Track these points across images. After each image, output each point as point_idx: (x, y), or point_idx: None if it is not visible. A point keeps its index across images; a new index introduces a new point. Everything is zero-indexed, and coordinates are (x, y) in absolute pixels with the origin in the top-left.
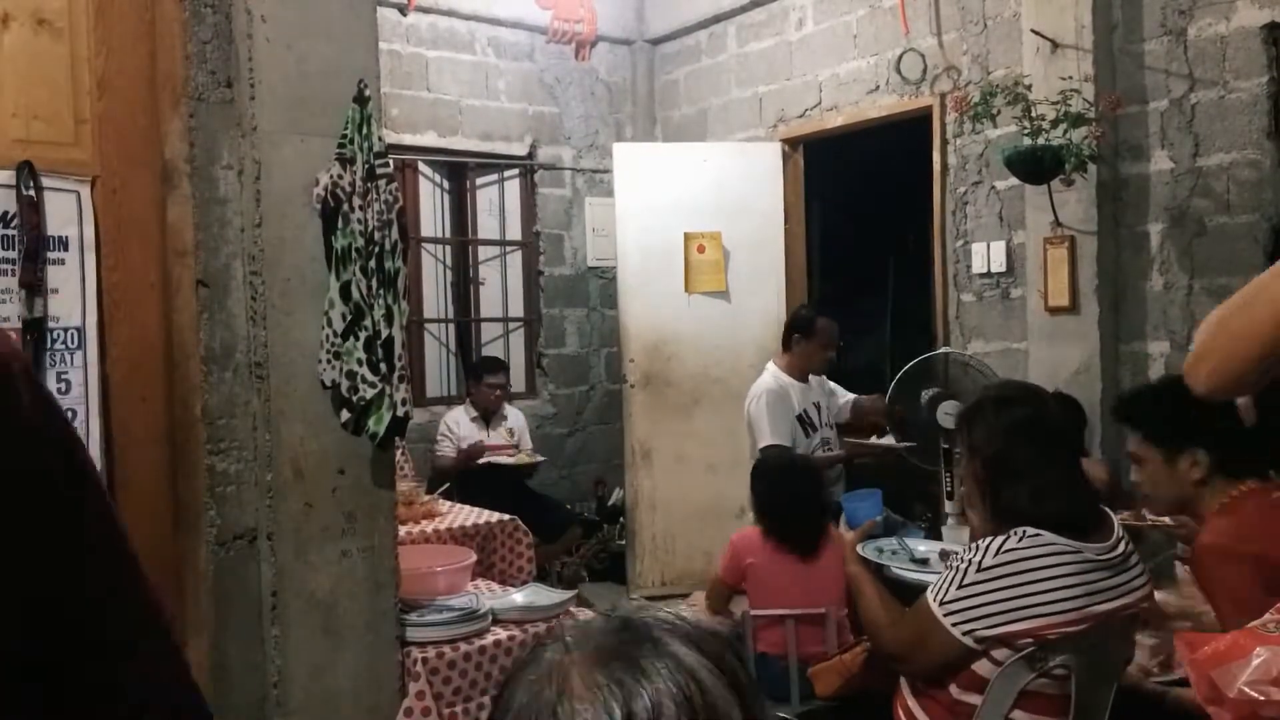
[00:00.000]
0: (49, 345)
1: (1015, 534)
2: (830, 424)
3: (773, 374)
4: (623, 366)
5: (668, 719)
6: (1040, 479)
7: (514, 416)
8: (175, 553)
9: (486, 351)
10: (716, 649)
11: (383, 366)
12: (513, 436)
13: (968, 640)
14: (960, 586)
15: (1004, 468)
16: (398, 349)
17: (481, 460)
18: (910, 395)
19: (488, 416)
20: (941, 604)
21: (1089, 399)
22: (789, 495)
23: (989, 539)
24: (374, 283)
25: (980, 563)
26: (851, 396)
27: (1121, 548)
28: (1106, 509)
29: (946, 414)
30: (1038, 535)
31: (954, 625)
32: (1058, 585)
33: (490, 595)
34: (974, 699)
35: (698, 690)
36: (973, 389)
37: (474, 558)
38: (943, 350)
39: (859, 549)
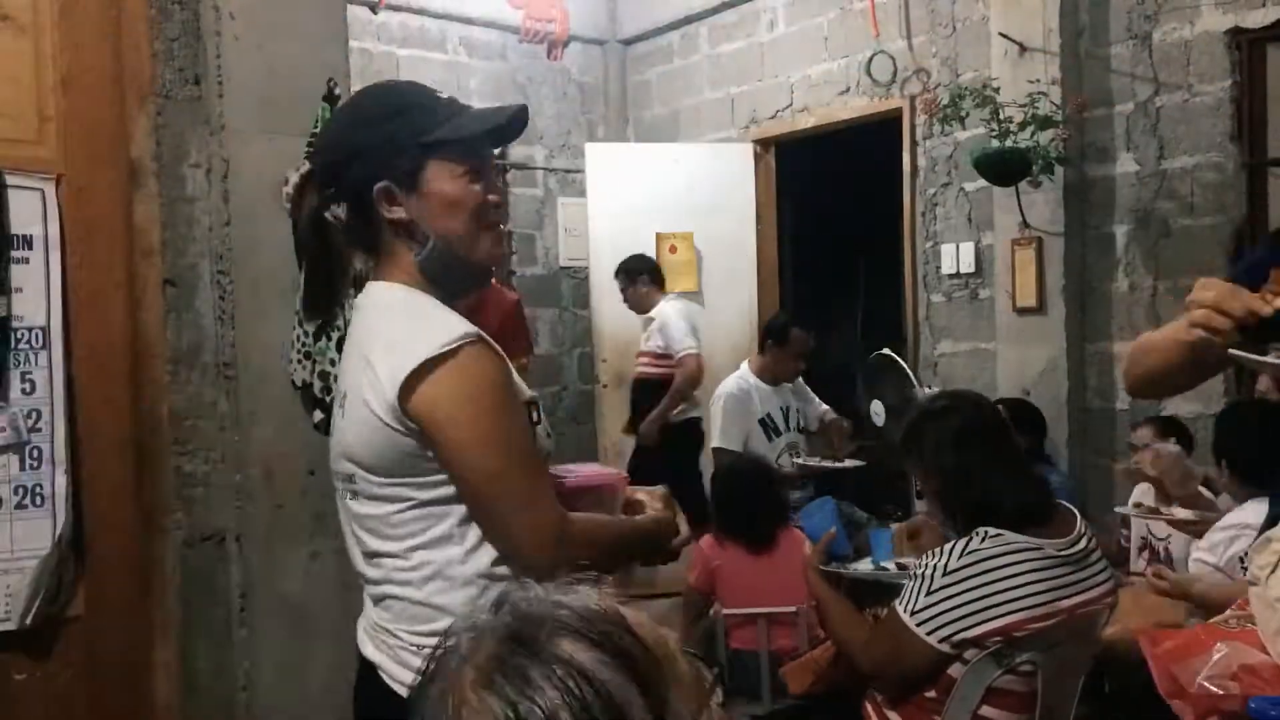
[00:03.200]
0: (13, 345)
1: (977, 535)
2: (799, 428)
3: (739, 375)
4: (595, 367)
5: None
6: (988, 480)
7: (661, 315)
8: (143, 554)
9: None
10: (605, 634)
11: None
12: (651, 341)
13: (943, 646)
14: (929, 594)
15: (952, 476)
16: None
17: None
18: (876, 394)
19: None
20: (913, 614)
21: (1056, 398)
22: (738, 490)
23: (952, 543)
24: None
25: (945, 566)
26: (825, 408)
27: (1083, 544)
28: (1070, 506)
29: (876, 414)
30: (999, 535)
31: (928, 634)
32: (1023, 582)
33: None
34: (944, 696)
35: (591, 690)
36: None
37: None
38: (885, 353)
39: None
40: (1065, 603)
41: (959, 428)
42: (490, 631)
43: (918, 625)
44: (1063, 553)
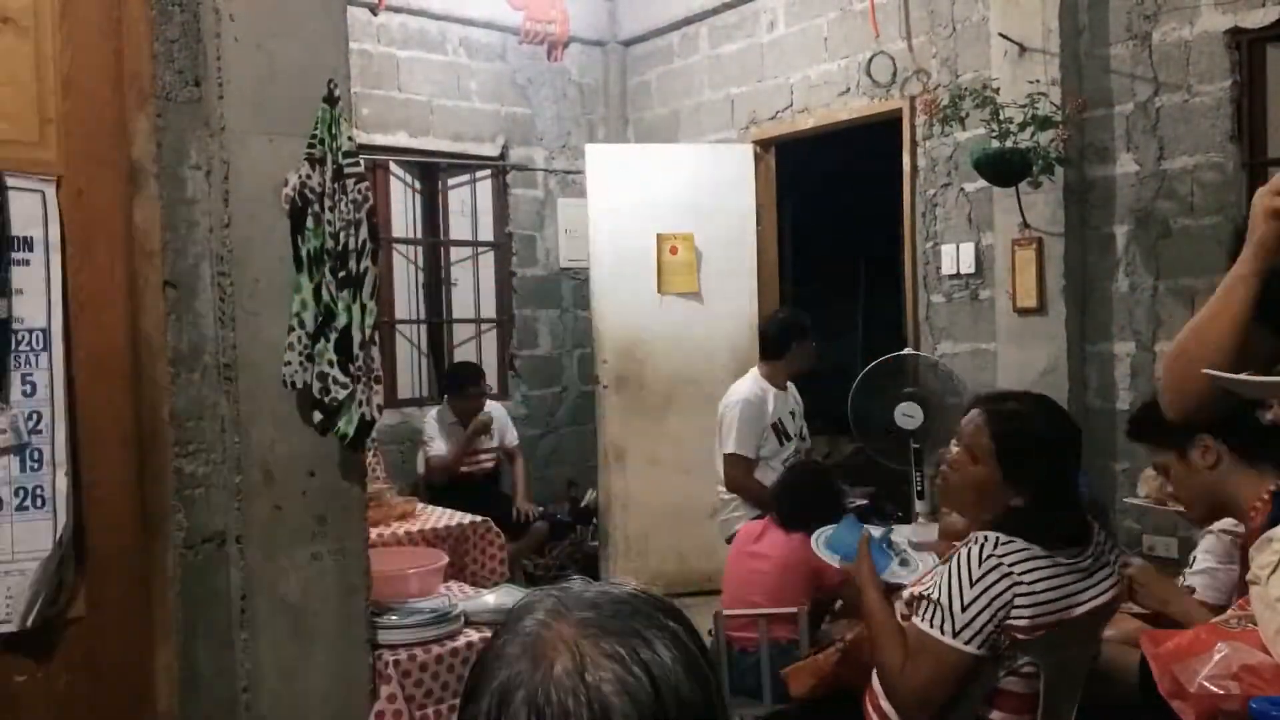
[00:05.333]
0: (14, 347)
1: (988, 540)
2: (803, 435)
3: (752, 381)
4: (595, 368)
5: (681, 681)
6: (1045, 493)
7: (495, 415)
8: (143, 556)
9: (459, 354)
10: (685, 622)
11: (351, 367)
12: (492, 438)
13: (983, 650)
14: (964, 609)
15: (1021, 476)
16: (358, 348)
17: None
18: (874, 397)
19: (466, 422)
20: (955, 634)
21: (1056, 399)
22: (804, 490)
23: (964, 551)
24: (343, 283)
25: (971, 578)
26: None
27: (1093, 555)
28: (1092, 520)
29: (906, 415)
30: (1010, 542)
31: (977, 646)
32: (1039, 589)
33: (462, 597)
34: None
35: (694, 656)
36: (939, 390)
37: (446, 560)
38: (908, 352)
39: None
40: (1074, 612)
41: (1068, 438)
42: (575, 597)
43: (964, 643)
44: (1069, 562)
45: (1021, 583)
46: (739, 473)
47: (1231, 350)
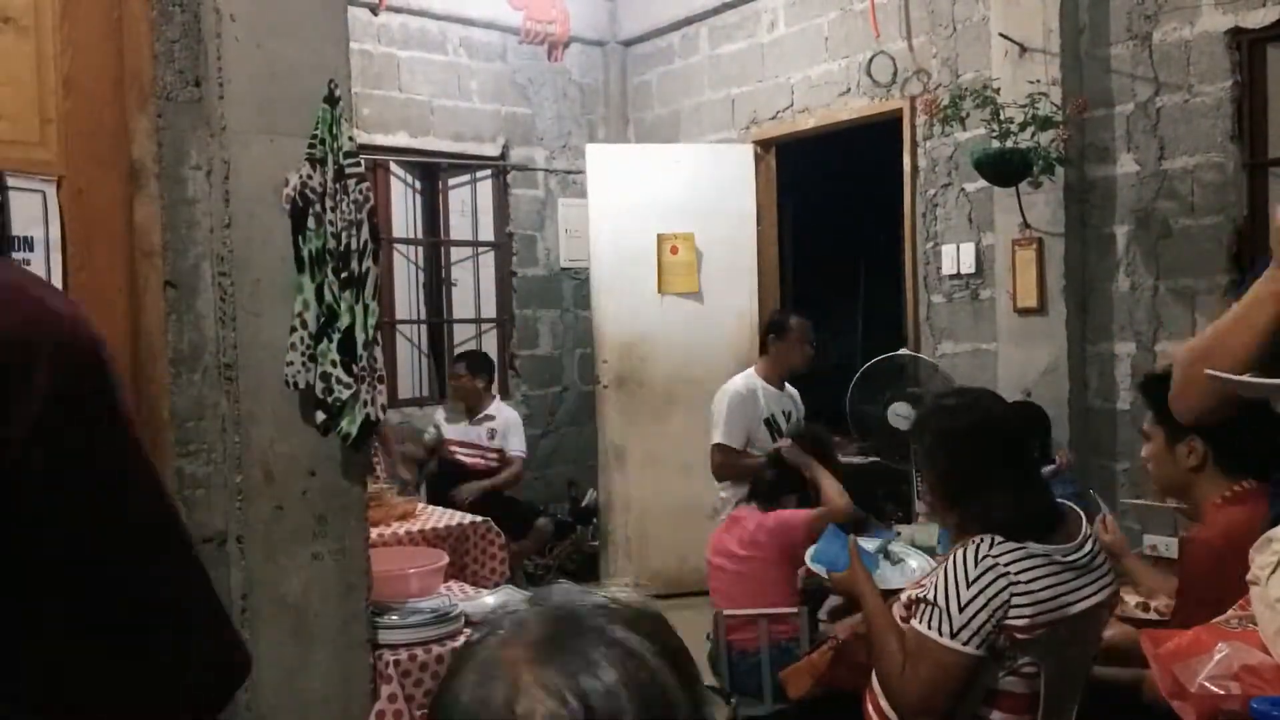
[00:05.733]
0: None
1: (985, 540)
2: None
3: (745, 376)
4: (596, 367)
5: (623, 707)
6: (993, 487)
7: (502, 417)
8: None
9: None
10: (654, 628)
11: (355, 367)
12: (493, 439)
13: (981, 651)
14: (961, 609)
15: (957, 478)
16: (362, 348)
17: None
18: (872, 396)
19: (470, 413)
20: (954, 635)
21: (1057, 399)
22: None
23: (959, 552)
24: (345, 283)
25: (967, 578)
26: None
27: (1089, 547)
28: (1076, 509)
29: (899, 415)
30: (1004, 542)
31: (977, 647)
32: (1036, 588)
33: (462, 597)
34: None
35: (647, 674)
36: (938, 389)
37: (446, 560)
38: (903, 352)
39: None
40: (1073, 609)
41: (967, 428)
42: (535, 616)
43: (963, 645)
44: (1068, 559)
45: (1018, 582)
46: (725, 460)
47: (1249, 364)
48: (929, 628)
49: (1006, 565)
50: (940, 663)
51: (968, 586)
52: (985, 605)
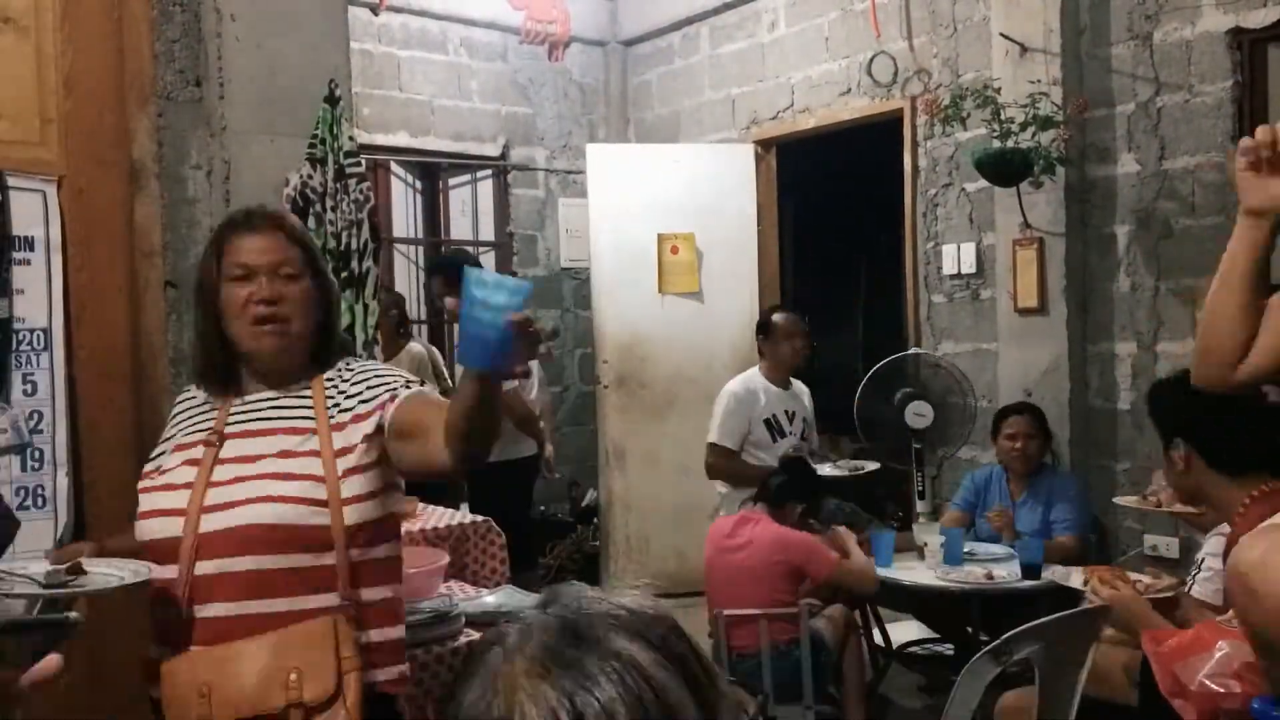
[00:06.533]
0: (15, 346)
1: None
2: (804, 436)
3: (747, 376)
4: (596, 367)
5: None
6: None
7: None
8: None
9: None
10: (661, 636)
11: None
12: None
13: None
14: None
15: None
16: (361, 348)
17: None
18: (883, 397)
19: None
20: None
21: (1057, 399)
22: None
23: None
24: (345, 283)
25: None
26: (815, 448)
27: None
28: None
29: (918, 414)
30: None
31: None
32: None
33: (462, 597)
34: None
35: (649, 688)
36: (943, 389)
37: (446, 560)
38: (913, 351)
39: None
40: None
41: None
42: (540, 625)
43: None
44: None
45: None
46: (718, 461)
47: (1248, 323)
48: None
49: None
50: None
51: None
52: None
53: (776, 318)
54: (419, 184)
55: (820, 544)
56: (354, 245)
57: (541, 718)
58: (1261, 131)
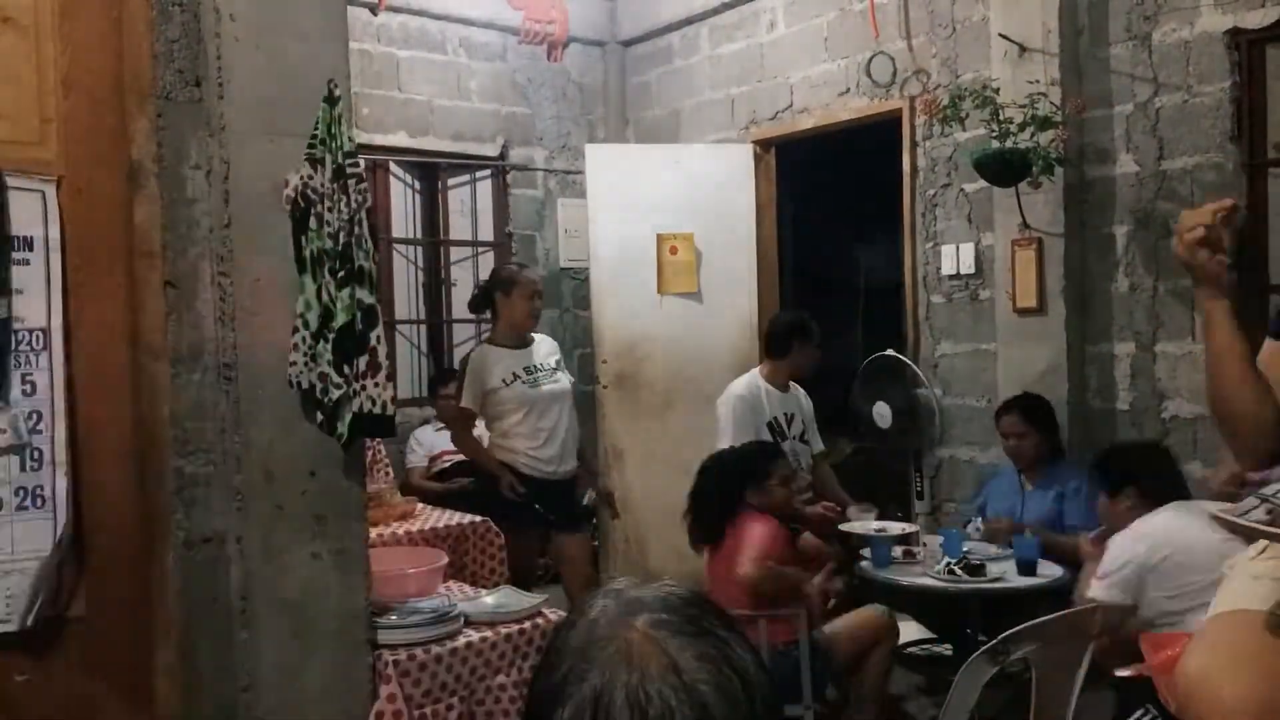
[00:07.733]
0: (14, 346)
1: None
2: (804, 438)
3: (750, 379)
4: (595, 367)
5: (762, 683)
6: None
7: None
8: (143, 556)
9: (458, 354)
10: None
11: (346, 368)
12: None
13: None
14: None
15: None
16: (364, 348)
17: None
18: (871, 398)
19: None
20: None
21: (1056, 399)
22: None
23: None
24: (343, 282)
25: None
26: (819, 448)
27: None
28: None
29: (880, 415)
30: None
31: None
32: None
33: (462, 597)
34: None
35: (761, 659)
36: (937, 391)
37: (446, 560)
38: (889, 353)
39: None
40: None
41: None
42: (638, 601)
43: None
44: None
45: None
46: None
47: (1251, 379)
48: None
49: None
50: None
51: None
52: None
53: (796, 345)
54: (418, 184)
55: (761, 542)
56: (355, 244)
57: (705, 670)
58: (1201, 214)
